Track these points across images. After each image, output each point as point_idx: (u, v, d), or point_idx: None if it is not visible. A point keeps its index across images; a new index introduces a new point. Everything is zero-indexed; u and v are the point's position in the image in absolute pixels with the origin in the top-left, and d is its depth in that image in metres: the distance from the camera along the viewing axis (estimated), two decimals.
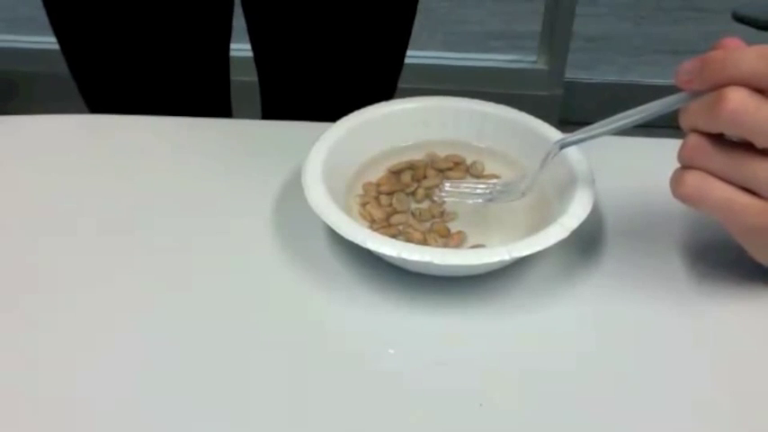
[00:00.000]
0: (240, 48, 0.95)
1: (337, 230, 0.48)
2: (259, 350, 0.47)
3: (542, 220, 0.51)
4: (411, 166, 0.57)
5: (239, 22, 0.89)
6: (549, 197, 0.54)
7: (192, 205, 0.57)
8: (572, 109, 1.85)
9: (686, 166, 0.44)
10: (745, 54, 0.41)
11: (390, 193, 0.55)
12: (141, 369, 0.45)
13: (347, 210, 0.52)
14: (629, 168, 0.60)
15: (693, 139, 0.44)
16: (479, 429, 0.42)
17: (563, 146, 0.51)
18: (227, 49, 0.91)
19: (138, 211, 0.56)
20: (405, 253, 0.46)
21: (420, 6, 0.87)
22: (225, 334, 0.47)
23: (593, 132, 0.49)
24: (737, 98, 0.41)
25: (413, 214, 0.54)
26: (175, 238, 0.54)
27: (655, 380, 0.45)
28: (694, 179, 0.44)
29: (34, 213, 0.56)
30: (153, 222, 0.55)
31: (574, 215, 0.49)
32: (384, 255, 0.48)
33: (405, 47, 0.90)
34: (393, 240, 0.48)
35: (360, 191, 0.56)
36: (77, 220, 0.56)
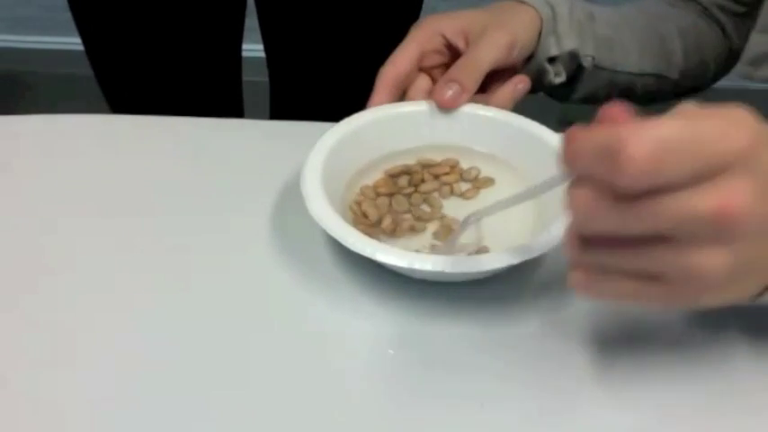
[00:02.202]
0: (250, 48, 0.96)
1: (344, 243, 0.47)
2: (258, 351, 0.47)
3: (542, 219, 0.51)
4: (407, 171, 0.57)
5: (249, 22, 0.90)
6: (547, 196, 0.54)
7: (195, 205, 0.57)
8: (572, 109, 1.84)
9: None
10: (582, 150, 0.33)
11: (389, 195, 0.55)
12: (140, 369, 0.45)
13: (345, 213, 0.52)
14: None
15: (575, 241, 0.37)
16: (479, 429, 0.43)
17: (467, 222, 0.48)
18: (240, 49, 0.92)
19: (141, 210, 0.56)
20: (417, 263, 0.46)
21: None
22: (224, 334, 0.47)
23: (493, 208, 0.46)
24: (580, 211, 0.34)
25: (411, 212, 0.54)
26: (178, 237, 0.54)
27: (656, 380, 0.45)
28: (582, 278, 0.37)
29: (36, 212, 0.56)
30: (155, 222, 0.55)
31: None
32: (394, 266, 0.47)
33: None
34: (402, 251, 0.47)
35: (357, 194, 0.55)
36: (79, 219, 0.56)
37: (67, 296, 0.50)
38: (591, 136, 0.33)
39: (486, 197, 0.55)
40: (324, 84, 0.90)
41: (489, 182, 0.57)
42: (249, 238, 0.54)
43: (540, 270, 0.51)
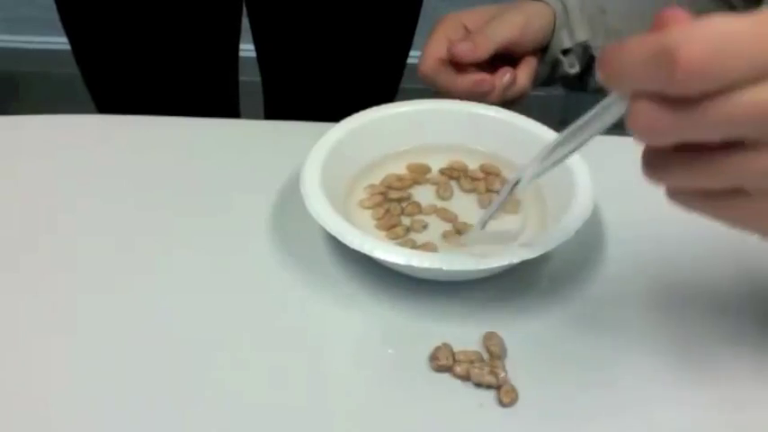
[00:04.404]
0: (244, 48, 0.96)
1: (342, 240, 0.47)
2: (257, 350, 0.47)
3: (542, 219, 0.51)
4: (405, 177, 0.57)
5: (243, 22, 0.89)
6: (547, 197, 0.54)
7: (195, 205, 0.57)
8: (572, 109, 1.85)
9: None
10: (628, 62, 0.31)
11: (396, 194, 0.55)
12: (139, 368, 0.45)
13: (348, 215, 0.52)
14: (628, 168, 0.60)
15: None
16: (479, 429, 0.42)
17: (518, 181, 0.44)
18: (236, 49, 0.91)
19: (140, 210, 0.56)
20: (414, 260, 0.46)
21: None
22: (224, 333, 0.47)
23: (551, 160, 0.41)
24: (643, 129, 0.32)
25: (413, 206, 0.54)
26: (177, 238, 0.54)
27: (657, 380, 0.45)
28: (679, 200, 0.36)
29: (36, 212, 0.56)
30: (154, 221, 0.55)
31: (576, 215, 0.48)
32: (392, 263, 0.47)
33: (407, 49, 0.90)
34: (400, 248, 0.47)
35: (361, 195, 0.55)
36: (79, 219, 0.56)
37: (67, 296, 0.50)
38: (636, 45, 0.30)
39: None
40: (317, 85, 0.90)
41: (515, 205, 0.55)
42: (249, 238, 0.54)
43: (542, 270, 0.51)
